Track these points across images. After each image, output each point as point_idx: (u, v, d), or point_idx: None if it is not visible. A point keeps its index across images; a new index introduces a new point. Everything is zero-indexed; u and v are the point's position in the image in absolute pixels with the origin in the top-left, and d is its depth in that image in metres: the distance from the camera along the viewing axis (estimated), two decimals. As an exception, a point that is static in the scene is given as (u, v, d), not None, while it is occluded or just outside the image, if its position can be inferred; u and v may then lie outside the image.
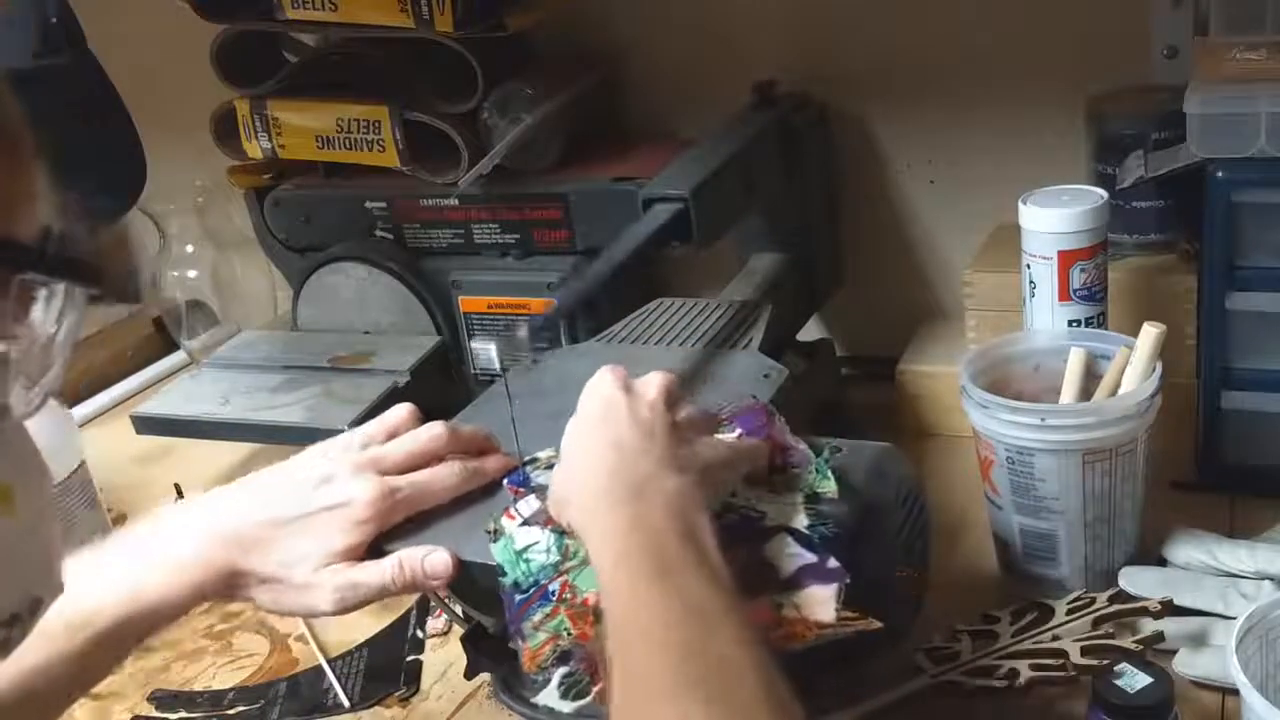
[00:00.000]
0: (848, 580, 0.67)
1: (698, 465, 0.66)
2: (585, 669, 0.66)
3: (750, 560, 0.68)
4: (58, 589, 0.51)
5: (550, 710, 0.63)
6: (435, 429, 0.78)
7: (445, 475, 0.76)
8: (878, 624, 0.66)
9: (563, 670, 0.64)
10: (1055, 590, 0.88)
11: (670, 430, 0.67)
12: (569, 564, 0.68)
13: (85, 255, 0.44)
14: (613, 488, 0.63)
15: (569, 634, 0.66)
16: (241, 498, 0.76)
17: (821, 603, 0.66)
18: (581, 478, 0.67)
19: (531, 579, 0.68)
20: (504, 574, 0.69)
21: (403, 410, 0.80)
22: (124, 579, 0.72)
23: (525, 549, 0.69)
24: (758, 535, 0.69)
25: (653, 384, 0.70)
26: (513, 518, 0.71)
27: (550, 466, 0.74)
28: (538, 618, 0.67)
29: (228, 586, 0.74)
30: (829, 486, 0.72)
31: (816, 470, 0.73)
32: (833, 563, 0.67)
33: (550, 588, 0.67)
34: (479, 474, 0.77)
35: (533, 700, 0.65)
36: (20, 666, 0.67)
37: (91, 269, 0.44)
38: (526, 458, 0.76)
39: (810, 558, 0.67)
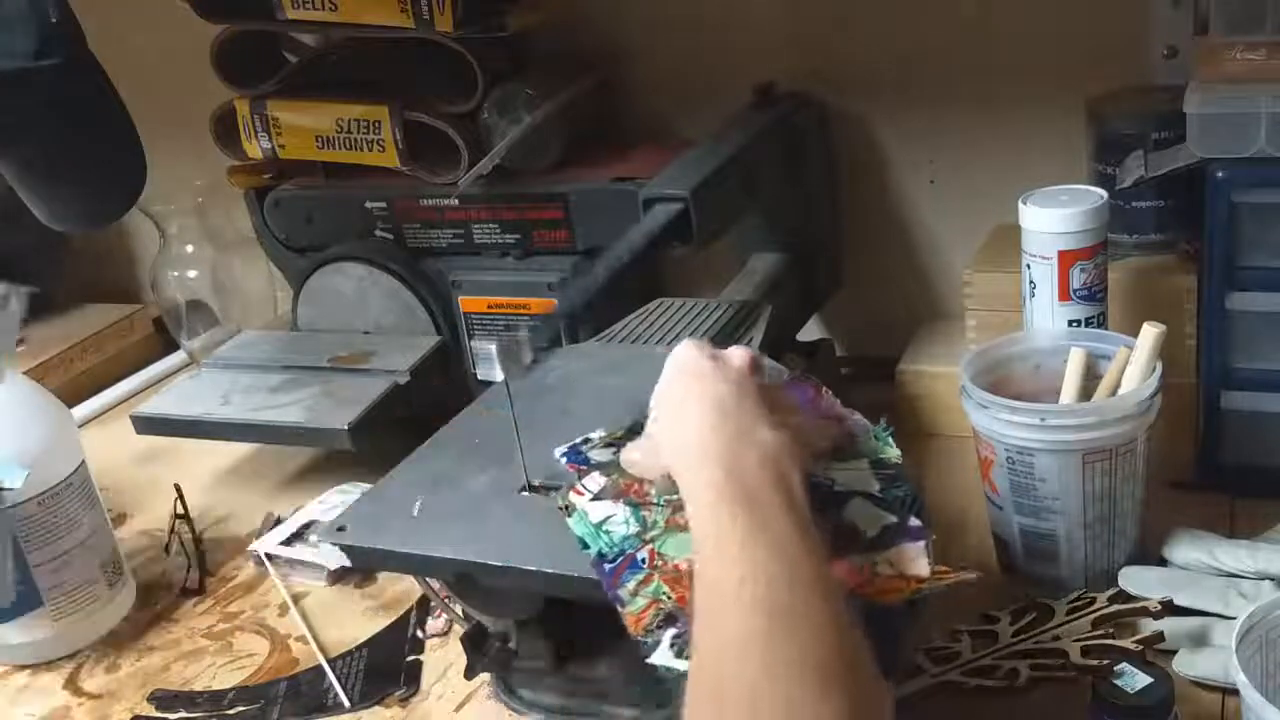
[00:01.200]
0: (934, 537, 0.68)
1: (791, 425, 0.67)
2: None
3: (830, 524, 0.69)
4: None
5: (667, 669, 0.64)
6: None
7: None
8: (971, 575, 0.68)
9: (672, 631, 0.65)
10: (1055, 590, 0.88)
11: (761, 392, 0.68)
12: (651, 533, 0.69)
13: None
14: (711, 438, 0.64)
15: (669, 598, 0.67)
16: None
17: (914, 559, 0.67)
18: (679, 427, 0.67)
19: (616, 549, 0.69)
20: (586, 546, 0.70)
21: None
22: None
23: (603, 521, 0.70)
24: (833, 501, 0.70)
25: (737, 354, 0.71)
26: (581, 494, 0.73)
27: (608, 445, 0.75)
28: (632, 585, 0.68)
29: None
30: (892, 453, 0.74)
31: (876, 438, 0.75)
32: (915, 521, 0.69)
33: (639, 556, 0.68)
34: None
35: (647, 661, 0.65)
36: None
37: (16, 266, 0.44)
38: (580, 438, 0.77)
39: (892, 519, 0.69)
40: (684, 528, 0.66)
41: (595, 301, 0.88)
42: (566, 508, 0.72)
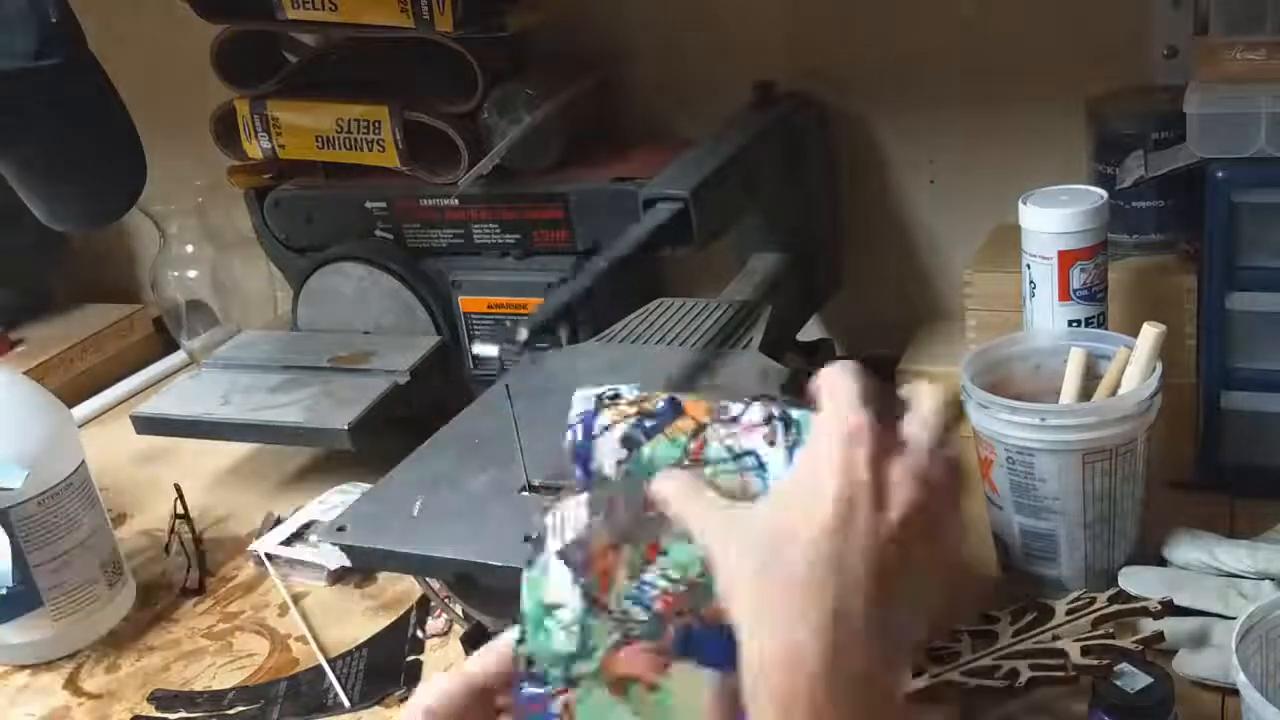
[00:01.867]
0: None
1: (908, 640, 0.50)
2: None
3: None
4: None
5: None
6: None
7: None
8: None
9: None
10: (1055, 590, 0.88)
11: (893, 591, 0.48)
12: (581, 668, 0.51)
13: None
14: (812, 649, 0.47)
15: None
16: None
17: None
18: (773, 620, 0.47)
19: (542, 666, 0.51)
20: (521, 640, 0.51)
21: None
22: None
23: (552, 609, 0.51)
24: None
25: (904, 488, 0.49)
26: (561, 522, 0.53)
27: (637, 415, 0.53)
28: None
29: None
30: None
31: None
32: None
33: (553, 708, 0.51)
34: None
35: None
36: None
37: None
38: (604, 392, 0.54)
39: None
40: (621, 680, 0.50)
41: (590, 298, 0.88)
42: (535, 540, 0.52)
